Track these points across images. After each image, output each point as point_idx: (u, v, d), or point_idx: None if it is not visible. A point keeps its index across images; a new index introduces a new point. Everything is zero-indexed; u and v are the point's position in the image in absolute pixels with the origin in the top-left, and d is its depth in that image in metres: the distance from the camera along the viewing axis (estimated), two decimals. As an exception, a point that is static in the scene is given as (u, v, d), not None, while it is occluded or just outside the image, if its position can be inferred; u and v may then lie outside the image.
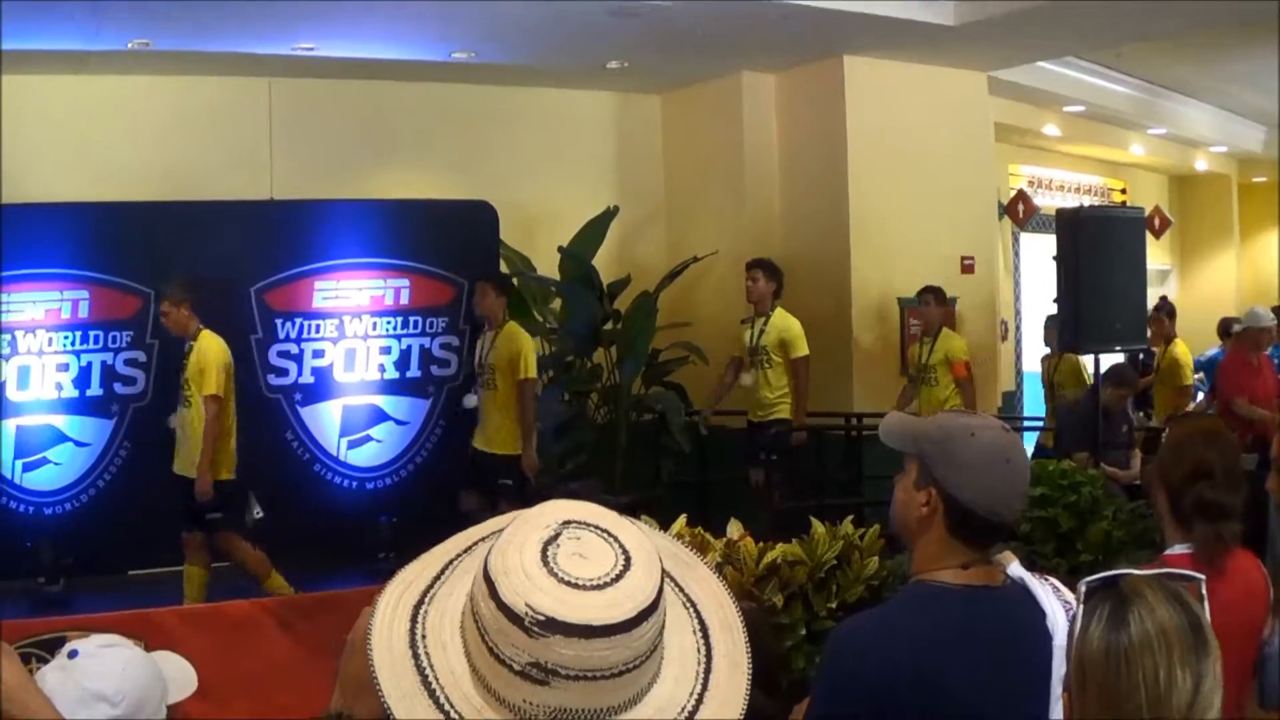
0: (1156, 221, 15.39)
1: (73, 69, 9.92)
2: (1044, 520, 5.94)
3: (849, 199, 11.05)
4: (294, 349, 9.95)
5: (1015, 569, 2.57)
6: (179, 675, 2.77)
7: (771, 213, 11.72)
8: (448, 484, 9.50)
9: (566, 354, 10.94)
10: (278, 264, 9.91)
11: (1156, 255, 15.92)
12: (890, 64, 11.07)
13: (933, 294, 10.27)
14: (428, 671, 1.41)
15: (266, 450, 9.73)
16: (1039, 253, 13.88)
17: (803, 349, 9.59)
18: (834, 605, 4.97)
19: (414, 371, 10.27)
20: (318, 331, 10.03)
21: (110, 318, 9.28)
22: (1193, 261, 19.07)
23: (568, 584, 1.36)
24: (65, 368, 9.30)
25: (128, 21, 8.89)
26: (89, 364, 9.34)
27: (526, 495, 8.31)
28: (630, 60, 10.98)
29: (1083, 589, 1.92)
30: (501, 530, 1.46)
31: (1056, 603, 2.49)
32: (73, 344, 9.30)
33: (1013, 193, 14.23)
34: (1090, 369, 9.52)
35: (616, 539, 1.42)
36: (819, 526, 5.21)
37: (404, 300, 10.23)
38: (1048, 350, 11.45)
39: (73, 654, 2.55)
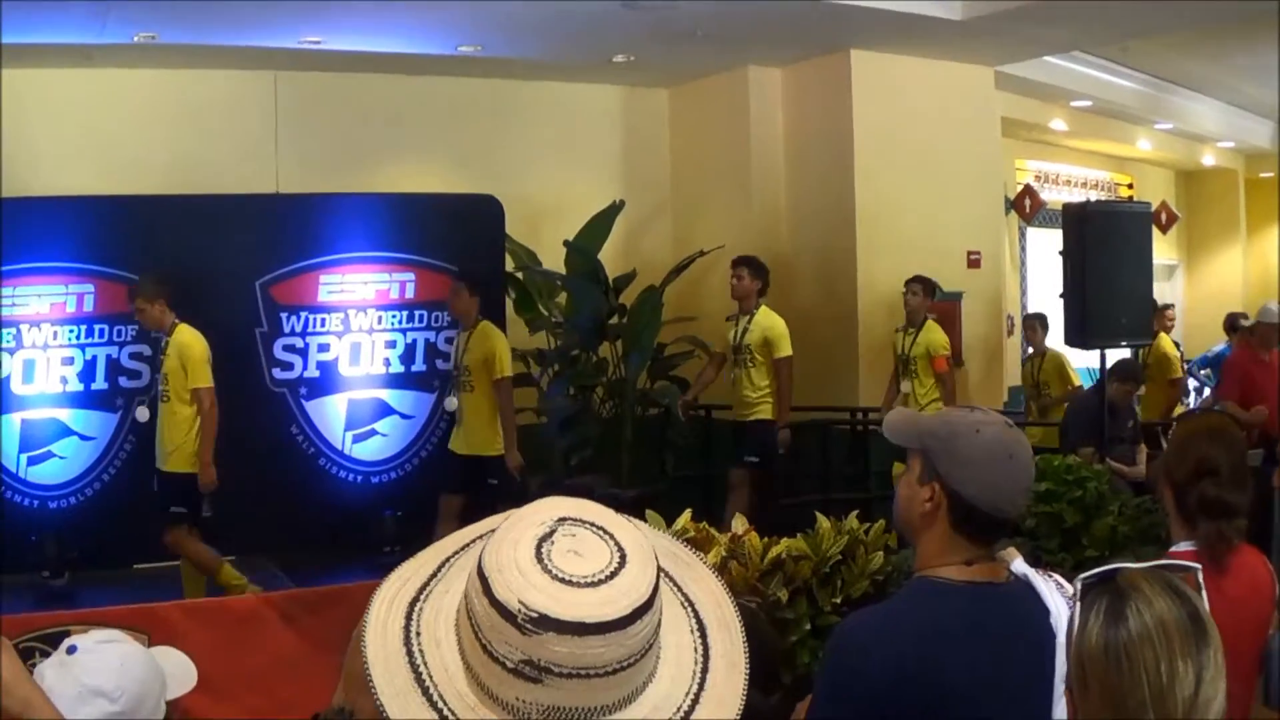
0: (1163, 216, 15.34)
1: (79, 62, 9.93)
2: (1049, 515, 5.92)
3: (855, 194, 11.03)
4: (299, 343, 9.94)
5: (1019, 565, 2.56)
6: (179, 670, 2.76)
7: (778, 207, 11.72)
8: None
9: (572, 348, 10.93)
10: (283, 257, 9.90)
11: (1163, 250, 15.87)
12: (897, 58, 11.06)
13: (920, 284, 10.22)
14: (421, 669, 1.41)
15: (271, 444, 9.75)
16: (1045, 248, 13.84)
17: (786, 349, 9.46)
18: (839, 600, 4.96)
19: (419, 365, 10.25)
20: (323, 325, 10.02)
21: (115, 311, 9.27)
22: (1199, 257, 19.05)
23: (561, 581, 1.35)
24: (70, 361, 9.30)
25: (134, 15, 8.89)
26: (94, 358, 9.34)
27: (514, 495, 8.25)
28: (637, 54, 10.97)
29: (1079, 586, 1.91)
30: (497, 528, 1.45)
31: (1060, 599, 2.48)
32: (78, 338, 9.30)
33: (1019, 187, 14.22)
34: (1075, 366, 9.50)
35: (612, 536, 1.41)
36: (824, 521, 5.21)
37: (409, 294, 10.21)
38: (1029, 350, 11.42)
39: (71, 649, 2.54)
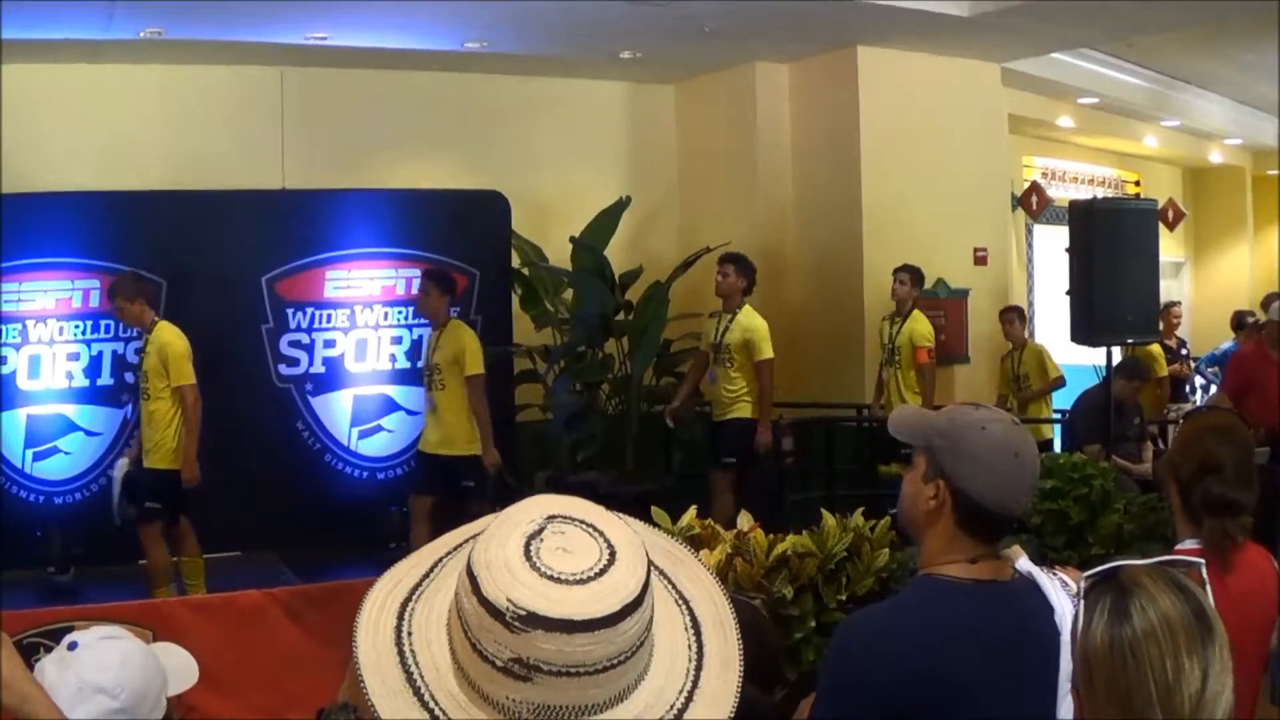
0: (1170, 214, 15.33)
1: (85, 58, 9.93)
2: (1055, 513, 5.91)
3: (862, 190, 11.02)
4: (305, 339, 9.96)
5: (1024, 563, 2.55)
6: (180, 667, 2.76)
7: (784, 203, 11.71)
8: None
9: (578, 344, 10.91)
10: (289, 253, 9.91)
11: (1170, 248, 15.85)
12: (904, 55, 11.04)
13: (908, 272, 10.17)
14: (413, 669, 1.40)
15: (277, 440, 9.77)
16: (1052, 244, 13.82)
17: (767, 352, 9.25)
18: (844, 597, 4.95)
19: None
20: (329, 321, 10.04)
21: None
22: (1206, 254, 19.02)
23: (550, 579, 1.35)
24: (76, 357, 9.32)
25: (140, 10, 8.88)
26: (100, 353, 9.36)
27: (491, 494, 8.20)
28: (643, 50, 10.96)
29: (1082, 584, 1.89)
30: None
31: (1064, 597, 2.47)
32: (83, 333, 9.32)
33: (1026, 184, 14.21)
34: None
35: (602, 534, 1.40)
36: (829, 518, 5.20)
37: (415, 290, 10.20)
38: (1010, 346, 11.35)
39: (72, 646, 2.54)
